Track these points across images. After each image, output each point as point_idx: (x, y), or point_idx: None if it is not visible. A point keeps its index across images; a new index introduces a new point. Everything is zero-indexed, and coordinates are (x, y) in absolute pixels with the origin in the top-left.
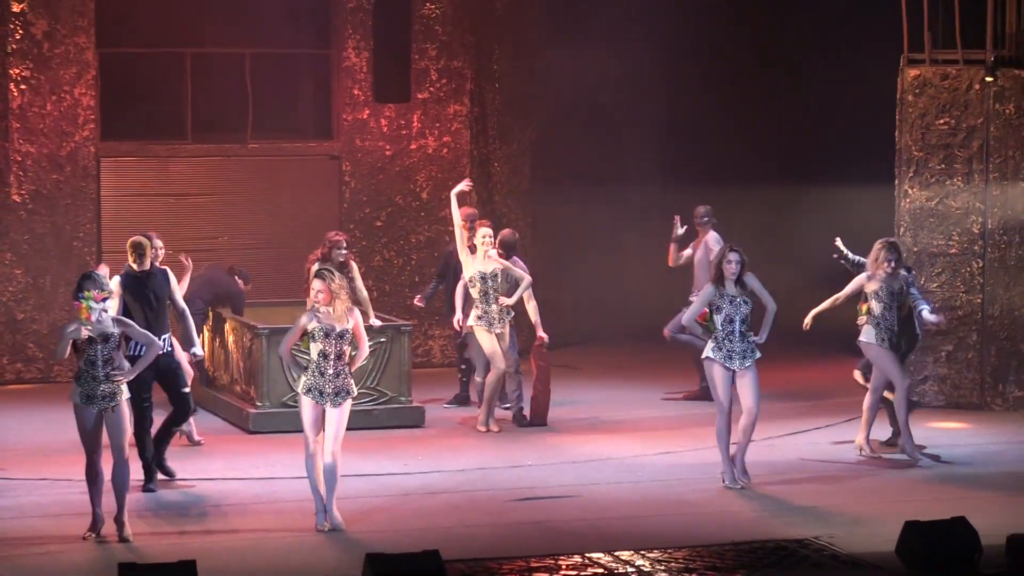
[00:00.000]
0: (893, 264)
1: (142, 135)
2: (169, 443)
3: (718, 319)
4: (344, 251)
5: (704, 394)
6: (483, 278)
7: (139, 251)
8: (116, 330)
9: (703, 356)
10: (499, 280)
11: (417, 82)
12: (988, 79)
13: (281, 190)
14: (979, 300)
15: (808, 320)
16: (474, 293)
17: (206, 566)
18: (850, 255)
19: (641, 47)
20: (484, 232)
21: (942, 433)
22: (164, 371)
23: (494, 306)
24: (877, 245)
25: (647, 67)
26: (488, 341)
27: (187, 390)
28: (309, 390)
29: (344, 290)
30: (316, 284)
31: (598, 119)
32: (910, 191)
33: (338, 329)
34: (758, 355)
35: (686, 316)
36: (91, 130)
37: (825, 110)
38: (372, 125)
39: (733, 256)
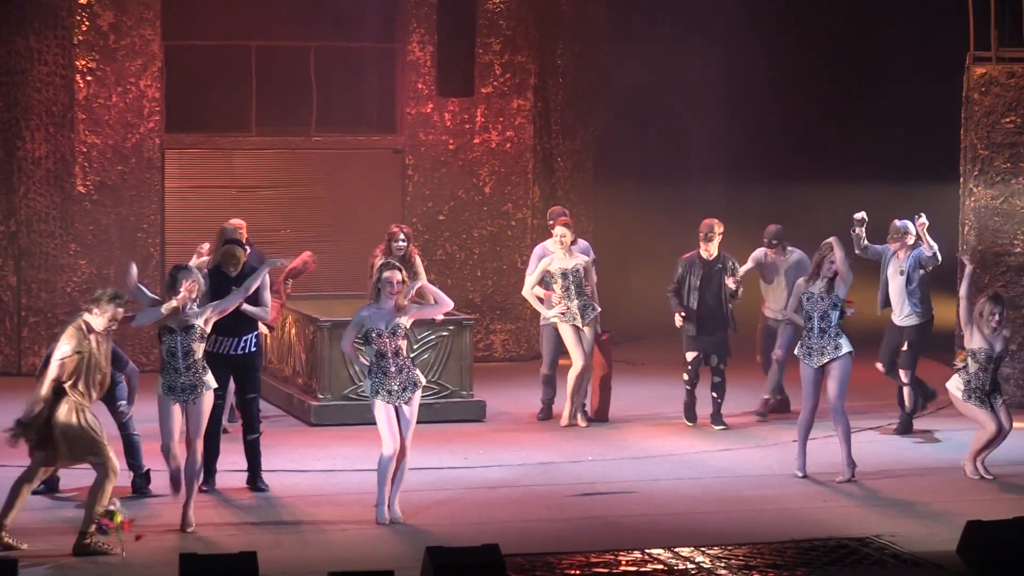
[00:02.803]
0: (998, 317)
1: (207, 127)
2: (260, 457)
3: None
4: (403, 243)
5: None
6: (564, 275)
7: (233, 261)
8: (198, 321)
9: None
10: (581, 275)
11: (481, 76)
12: None
13: (344, 183)
14: None
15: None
16: (557, 289)
17: (267, 557)
18: (864, 240)
19: (706, 44)
20: (560, 232)
21: None
22: (242, 371)
23: (576, 301)
24: (982, 299)
25: (712, 65)
26: (571, 336)
27: (253, 395)
28: (378, 392)
29: (407, 285)
30: (387, 275)
31: (662, 116)
32: (975, 190)
33: (391, 326)
34: (845, 350)
35: (787, 309)
36: (156, 122)
37: (892, 109)
38: (435, 119)
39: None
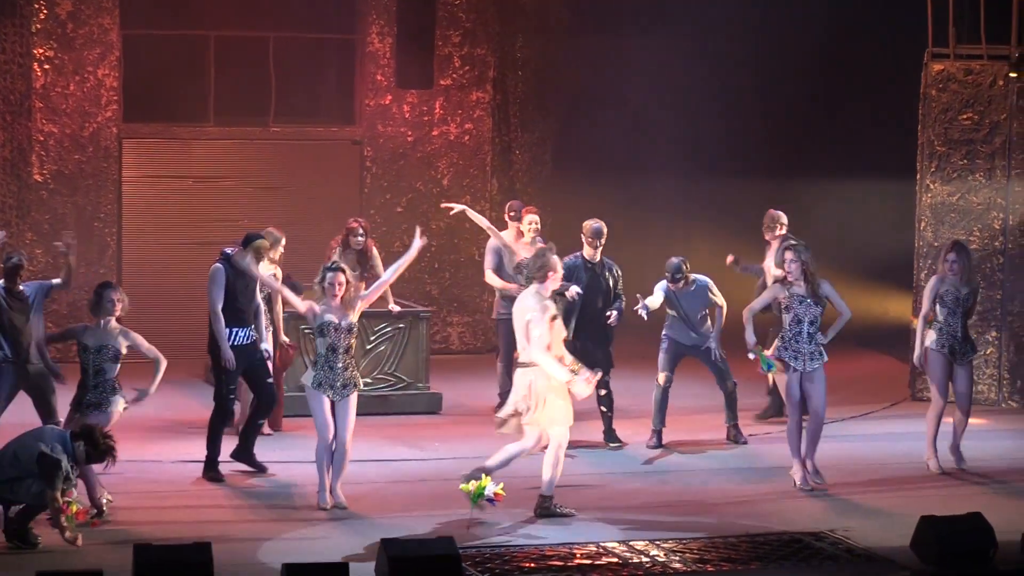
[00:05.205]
0: (955, 266)
1: (165, 117)
2: (256, 436)
3: (787, 318)
4: (361, 238)
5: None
6: None
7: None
8: (117, 343)
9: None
10: None
11: (440, 69)
12: (1012, 75)
13: (302, 174)
14: (999, 296)
15: (918, 354)
16: (522, 280)
17: (222, 548)
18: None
19: (665, 36)
20: (531, 219)
21: None
22: (250, 362)
23: None
24: (947, 246)
25: (671, 56)
26: None
27: (271, 380)
28: (320, 384)
29: (353, 285)
30: (329, 277)
31: (621, 108)
32: (931, 186)
33: (346, 322)
34: (826, 358)
35: (746, 310)
36: (114, 111)
37: (849, 103)
38: (394, 111)
39: (788, 255)
